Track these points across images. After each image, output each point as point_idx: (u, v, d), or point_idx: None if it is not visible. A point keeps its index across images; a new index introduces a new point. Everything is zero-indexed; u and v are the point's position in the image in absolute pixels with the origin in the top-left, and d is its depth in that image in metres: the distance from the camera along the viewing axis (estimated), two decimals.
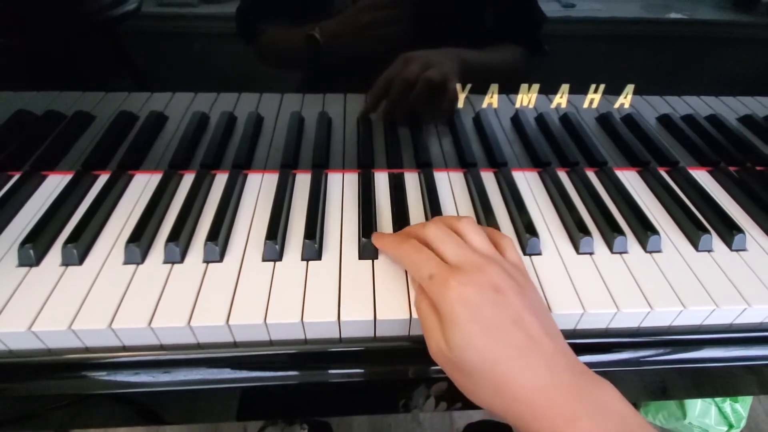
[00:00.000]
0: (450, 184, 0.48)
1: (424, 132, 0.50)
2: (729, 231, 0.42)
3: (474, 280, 0.31)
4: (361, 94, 0.47)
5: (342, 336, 0.36)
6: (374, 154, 0.50)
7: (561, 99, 0.46)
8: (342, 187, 0.47)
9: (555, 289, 0.37)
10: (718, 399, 1.03)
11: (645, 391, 0.45)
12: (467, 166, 0.49)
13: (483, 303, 0.30)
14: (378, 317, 0.35)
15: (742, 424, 1.04)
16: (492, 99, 0.44)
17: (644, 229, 0.42)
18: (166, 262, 0.38)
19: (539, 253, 0.40)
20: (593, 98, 0.45)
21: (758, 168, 0.51)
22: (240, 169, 0.47)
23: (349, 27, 0.41)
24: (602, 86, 0.46)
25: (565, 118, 0.49)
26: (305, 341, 0.36)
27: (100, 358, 0.36)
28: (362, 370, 0.37)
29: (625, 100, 0.46)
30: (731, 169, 0.51)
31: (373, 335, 0.37)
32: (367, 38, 0.42)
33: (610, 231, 0.41)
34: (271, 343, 0.36)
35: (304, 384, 0.37)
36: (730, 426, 1.03)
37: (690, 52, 0.48)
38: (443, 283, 0.31)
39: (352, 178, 0.48)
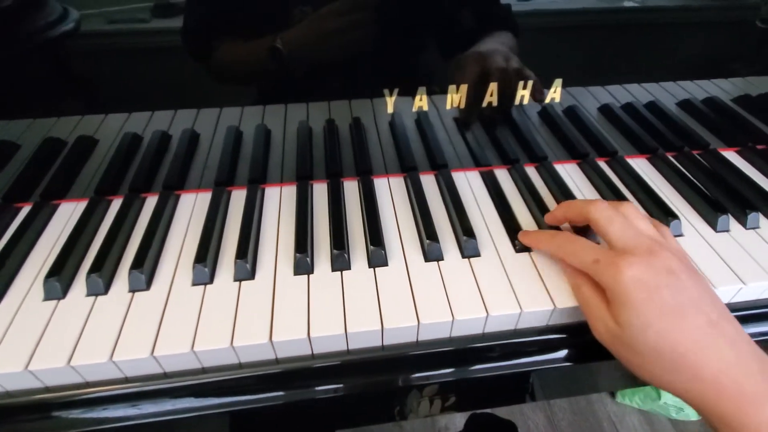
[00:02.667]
0: (390, 190, 0.47)
1: (365, 138, 0.49)
2: (665, 218, 0.42)
3: (647, 261, 0.31)
4: (317, 102, 0.46)
5: (278, 357, 0.35)
6: (313, 164, 0.49)
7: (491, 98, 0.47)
8: (279, 201, 0.46)
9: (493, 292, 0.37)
10: None
11: (622, 379, 0.45)
12: (407, 170, 0.48)
13: (659, 285, 0.30)
14: (313, 335, 0.34)
15: None
16: (422, 102, 0.43)
17: None
18: (89, 294, 0.37)
19: (478, 255, 0.40)
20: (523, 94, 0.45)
21: (694, 152, 0.52)
22: (172, 190, 0.46)
23: (313, 35, 0.41)
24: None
25: (507, 115, 0.49)
26: (240, 365, 0.35)
27: (22, 402, 0.34)
28: (304, 389, 0.36)
29: (555, 94, 0.46)
30: (669, 155, 0.52)
31: (310, 353, 0.36)
32: (332, 44, 0.42)
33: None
34: (203, 371, 0.35)
35: (242, 409, 0.36)
36: None
37: (636, 39, 0.48)
38: (613, 266, 0.31)
39: (290, 192, 0.47)
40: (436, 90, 0.44)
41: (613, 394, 1.15)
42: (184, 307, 0.36)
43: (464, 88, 0.43)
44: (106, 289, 0.37)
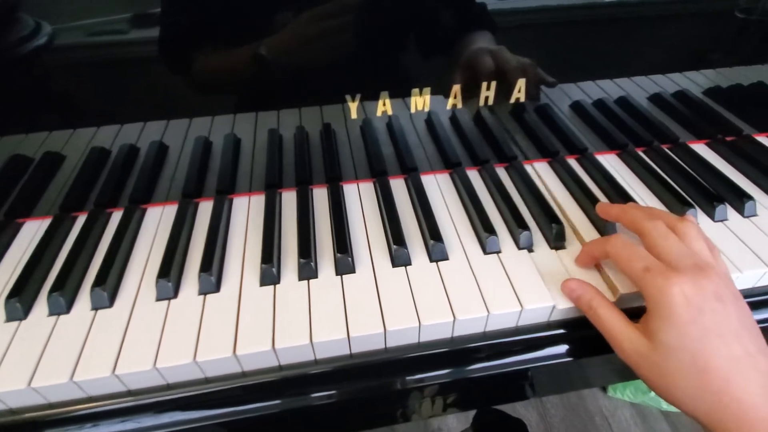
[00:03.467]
0: (359, 196, 0.47)
1: (334, 144, 0.49)
2: None
3: (697, 282, 0.30)
4: (288, 109, 0.46)
5: (244, 370, 0.35)
6: (283, 172, 0.48)
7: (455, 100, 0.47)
8: (248, 211, 0.45)
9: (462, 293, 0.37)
10: None
11: (614, 373, 0.45)
12: (377, 174, 0.48)
13: (704, 308, 0.30)
14: (278, 346, 0.34)
15: None
16: (385, 106, 0.43)
17: (549, 223, 0.42)
18: (51, 314, 0.36)
19: (446, 258, 0.40)
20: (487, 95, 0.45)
21: (664, 146, 0.52)
22: (138, 204, 0.45)
23: (297, 40, 0.40)
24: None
25: (477, 115, 0.49)
26: (206, 380, 0.35)
27: None
28: (271, 402, 0.36)
29: (520, 93, 0.46)
30: (639, 150, 0.52)
31: (277, 365, 0.35)
32: (317, 49, 0.41)
33: (517, 227, 0.41)
34: (168, 387, 0.34)
35: (209, 424, 0.35)
36: None
37: (611, 35, 0.48)
38: (663, 278, 0.31)
39: (259, 201, 0.46)
40: (402, 93, 0.44)
41: (604, 389, 1.15)
42: (147, 323, 0.35)
43: (456, 88, 0.44)
44: (68, 308, 0.36)
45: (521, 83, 0.45)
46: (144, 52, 0.42)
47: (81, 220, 0.45)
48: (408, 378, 0.37)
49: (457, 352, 0.37)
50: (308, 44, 0.41)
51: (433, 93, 0.44)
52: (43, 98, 0.43)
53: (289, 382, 0.35)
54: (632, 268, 0.33)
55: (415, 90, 0.43)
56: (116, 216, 0.45)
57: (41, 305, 0.37)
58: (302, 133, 0.48)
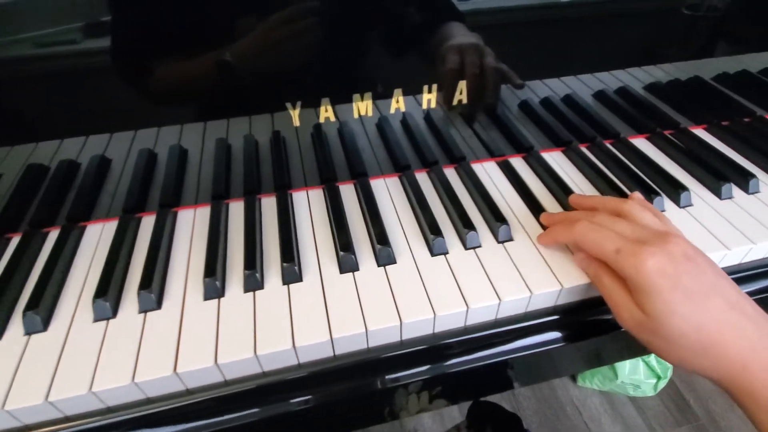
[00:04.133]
0: (309, 203, 0.47)
1: (284, 151, 0.48)
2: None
3: (665, 250, 0.32)
4: (237, 117, 0.45)
5: (188, 387, 0.34)
6: (230, 183, 0.48)
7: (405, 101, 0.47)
8: (193, 224, 0.44)
9: (408, 295, 0.37)
10: (644, 356, 1.09)
11: (583, 361, 0.46)
12: (326, 181, 0.48)
13: (679, 271, 0.31)
14: (220, 361, 0.33)
15: (669, 373, 1.11)
16: (328, 113, 0.43)
17: (495, 221, 0.42)
18: None
19: (394, 262, 0.40)
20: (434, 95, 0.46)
21: (606, 142, 0.54)
22: (76, 222, 0.44)
23: (263, 44, 0.40)
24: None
25: (428, 118, 0.49)
26: (148, 400, 0.34)
27: None
28: (219, 419, 0.35)
29: (461, 96, 0.46)
30: (582, 146, 0.53)
31: (223, 380, 0.35)
32: (285, 52, 0.41)
33: (463, 227, 0.42)
34: (108, 410, 0.33)
35: None
36: (659, 377, 1.09)
37: (562, 34, 0.50)
38: (634, 256, 0.32)
39: (205, 213, 0.45)
40: (343, 99, 0.44)
41: (574, 379, 1.18)
42: (84, 346, 0.34)
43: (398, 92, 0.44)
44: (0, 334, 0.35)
45: (462, 85, 0.45)
46: (86, 64, 0.40)
47: (15, 241, 0.43)
48: (386, 377, 0.38)
49: (406, 355, 0.37)
50: (275, 48, 0.40)
51: (377, 98, 0.44)
52: None
53: (233, 398, 0.34)
54: (603, 253, 0.34)
55: (356, 94, 0.43)
56: (53, 235, 0.43)
57: None
58: (251, 141, 0.47)
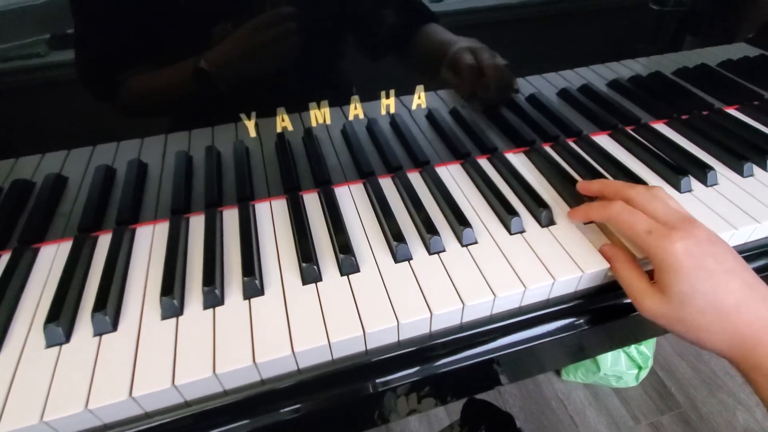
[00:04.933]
0: (272, 214, 0.46)
1: (246, 161, 0.47)
2: (538, 209, 0.44)
3: (692, 234, 0.35)
4: (200, 128, 0.44)
5: (146, 411, 0.33)
6: (191, 196, 0.47)
7: (389, 101, 0.47)
8: (151, 240, 0.43)
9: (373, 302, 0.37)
10: (625, 347, 1.10)
11: (566, 355, 0.46)
12: (289, 190, 0.47)
13: (704, 254, 0.34)
14: (178, 382, 0.32)
15: (650, 363, 1.12)
16: (285, 122, 0.43)
17: (459, 224, 0.42)
18: None
19: (358, 271, 0.40)
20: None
21: (569, 140, 0.54)
22: (28, 244, 0.42)
23: (240, 50, 0.39)
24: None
25: (393, 121, 0.49)
26: (104, 426, 0.33)
27: None
28: None
29: (420, 100, 0.46)
30: (545, 145, 0.54)
31: (183, 401, 0.34)
32: (262, 57, 0.40)
33: (426, 233, 0.41)
34: None
35: None
36: (640, 368, 1.10)
37: (541, 31, 0.50)
38: (665, 238, 0.35)
39: (164, 229, 0.44)
40: (300, 107, 0.43)
41: (558, 373, 1.19)
42: (34, 372, 0.33)
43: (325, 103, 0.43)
44: None
45: (420, 89, 0.45)
46: (44, 78, 0.39)
47: None
48: (338, 392, 0.37)
49: (369, 365, 0.37)
50: (252, 53, 0.40)
51: (335, 104, 0.43)
52: None
53: (193, 419, 0.33)
54: (635, 232, 0.37)
55: (312, 102, 0.42)
56: (4, 259, 0.42)
57: None
58: (213, 153, 0.46)
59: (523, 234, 0.42)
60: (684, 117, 0.58)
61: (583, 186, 0.45)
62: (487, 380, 0.44)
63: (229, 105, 0.42)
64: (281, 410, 0.36)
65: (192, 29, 0.39)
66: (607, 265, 0.39)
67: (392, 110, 0.45)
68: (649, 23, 0.54)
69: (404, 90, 0.45)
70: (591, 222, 0.43)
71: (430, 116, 0.50)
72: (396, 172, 0.49)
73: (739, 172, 0.49)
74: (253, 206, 0.47)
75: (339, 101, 0.43)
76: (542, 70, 0.53)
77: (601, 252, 0.40)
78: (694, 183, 0.48)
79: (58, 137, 0.43)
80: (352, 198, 0.48)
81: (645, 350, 1.11)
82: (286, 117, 0.42)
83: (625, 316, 0.42)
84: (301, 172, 0.48)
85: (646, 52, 0.56)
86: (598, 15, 0.52)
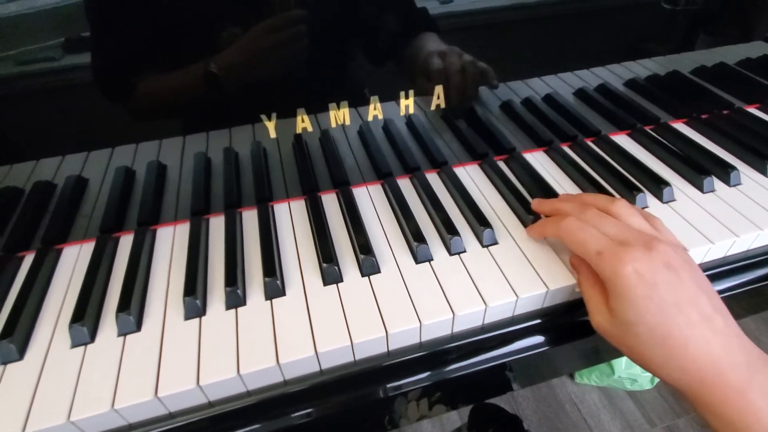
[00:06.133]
0: (290, 215, 0.46)
1: (265, 162, 0.48)
2: None
3: (647, 257, 0.31)
4: (217, 130, 0.44)
5: (171, 411, 0.33)
6: (210, 197, 0.47)
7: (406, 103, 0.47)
8: (173, 241, 0.44)
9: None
10: None
11: (581, 360, 0.45)
12: (308, 191, 0.47)
13: (658, 281, 0.31)
14: (203, 382, 0.32)
15: None
16: (305, 123, 0.43)
17: (479, 225, 0.42)
18: None
19: (378, 272, 0.39)
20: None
21: (588, 140, 0.54)
22: (52, 245, 0.43)
23: (249, 53, 0.39)
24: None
25: (409, 122, 0.49)
26: (129, 426, 0.33)
27: None
28: None
29: (439, 100, 0.46)
30: (564, 145, 0.53)
31: (207, 402, 0.34)
32: (271, 60, 0.40)
33: (447, 233, 0.41)
34: None
35: None
36: None
37: (545, 32, 0.50)
38: (616, 260, 0.32)
39: (184, 230, 0.45)
40: (319, 108, 0.43)
41: (572, 376, 1.17)
42: (61, 373, 0.33)
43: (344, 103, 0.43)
44: None
45: (439, 89, 0.45)
46: (61, 81, 0.39)
47: None
48: (360, 394, 0.37)
49: (391, 366, 0.36)
50: (261, 57, 0.40)
51: (354, 105, 0.44)
52: None
53: (216, 420, 0.33)
54: (586, 251, 0.34)
55: (332, 103, 0.42)
56: (29, 259, 0.42)
57: None
58: (231, 154, 0.47)
59: None
60: (704, 116, 0.57)
61: (536, 205, 0.42)
62: (504, 383, 0.44)
63: (249, 106, 0.42)
64: (305, 410, 0.36)
65: (202, 33, 0.39)
66: None
67: (411, 111, 0.45)
68: (663, 22, 0.53)
69: (423, 90, 0.45)
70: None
71: (446, 116, 0.50)
72: (414, 172, 0.49)
73: (762, 171, 0.48)
74: (272, 207, 0.47)
75: (359, 102, 0.43)
76: (557, 70, 0.53)
77: (570, 263, 0.38)
78: (717, 183, 0.47)
79: (78, 140, 0.43)
80: (370, 198, 0.47)
81: None
82: (305, 118, 0.42)
83: None
84: (319, 172, 0.48)
85: (661, 52, 0.55)
86: (610, 14, 0.52)
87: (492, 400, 1.13)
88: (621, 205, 0.37)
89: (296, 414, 0.35)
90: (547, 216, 0.42)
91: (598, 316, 0.34)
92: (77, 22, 0.38)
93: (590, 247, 0.34)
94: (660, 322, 0.30)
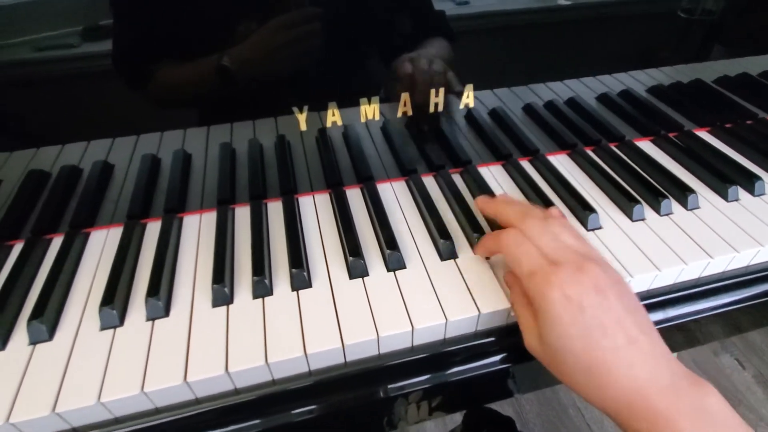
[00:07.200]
0: (315, 208, 0.46)
1: (289, 156, 0.48)
2: (584, 212, 0.43)
3: (576, 279, 0.31)
4: (241, 121, 0.44)
5: (197, 396, 0.33)
6: (236, 187, 0.47)
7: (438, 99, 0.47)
8: (199, 229, 0.44)
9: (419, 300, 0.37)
10: None
11: None
12: (332, 185, 0.48)
13: (584, 305, 0.30)
14: (231, 369, 0.32)
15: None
16: (335, 117, 0.43)
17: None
18: None
19: (404, 267, 0.40)
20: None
21: (611, 145, 0.54)
22: (79, 228, 0.43)
23: (262, 49, 0.39)
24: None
25: (434, 121, 0.49)
26: (156, 410, 0.33)
27: None
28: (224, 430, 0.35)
29: (468, 99, 0.46)
30: (587, 149, 0.53)
31: (233, 389, 0.34)
32: (283, 57, 0.41)
33: (472, 232, 0.41)
34: (116, 421, 0.32)
35: None
36: None
37: (564, 37, 0.50)
38: (544, 282, 0.31)
39: (210, 218, 0.45)
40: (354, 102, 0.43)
41: None
42: (89, 355, 0.33)
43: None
44: (3, 344, 0.34)
45: (469, 88, 0.45)
46: (86, 67, 0.40)
47: (18, 248, 0.42)
48: (379, 389, 0.37)
49: (427, 359, 0.37)
50: (274, 53, 0.40)
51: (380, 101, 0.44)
52: None
53: (242, 407, 0.34)
54: (519, 272, 0.34)
55: (364, 99, 0.43)
56: (56, 242, 0.43)
57: None
58: (256, 146, 0.47)
59: None
60: (727, 125, 0.57)
61: (479, 203, 0.41)
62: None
63: (280, 98, 0.42)
64: (322, 404, 0.36)
65: (218, 26, 0.39)
66: None
67: (440, 108, 0.46)
68: (679, 31, 0.53)
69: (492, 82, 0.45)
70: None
71: (470, 116, 0.51)
72: (438, 170, 0.49)
73: None
74: (297, 199, 0.47)
75: (390, 98, 0.44)
76: (578, 74, 0.53)
77: (504, 281, 0.37)
78: (741, 192, 0.47)
79: (102, 126, 0.44)
80: (395, 195, 0.48)
81: None
82: (336, 112, 0.43)
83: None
84: (343, 167, 0.49)
85: (678, 60, 0.55)
86: (627, 21, 0.52)
87: (496, 403, 1.14)
88: (554, 221, 0.36)
89: (318, 405, 0.36)
90: (489, 218, 0.42)
91: (529, 337, 0.33)
92: (98, 11, 0.38)
93: (524, 266, 0.33)
94: (583, 348, 0.30)
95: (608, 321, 0.30)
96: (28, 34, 0.38)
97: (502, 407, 1.13)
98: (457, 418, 1.06)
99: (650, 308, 0.41)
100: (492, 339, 0.38)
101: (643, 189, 0.47)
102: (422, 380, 0.37)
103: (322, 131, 0.46)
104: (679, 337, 0.43)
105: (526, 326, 0.33)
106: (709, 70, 0.57)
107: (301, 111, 0.42)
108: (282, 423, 0.36)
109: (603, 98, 0.56)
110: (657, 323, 0.41)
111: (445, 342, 0.37)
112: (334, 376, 0.35)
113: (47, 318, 0.35)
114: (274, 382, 0.35)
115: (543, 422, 1.11)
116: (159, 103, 0.43)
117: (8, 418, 0.30)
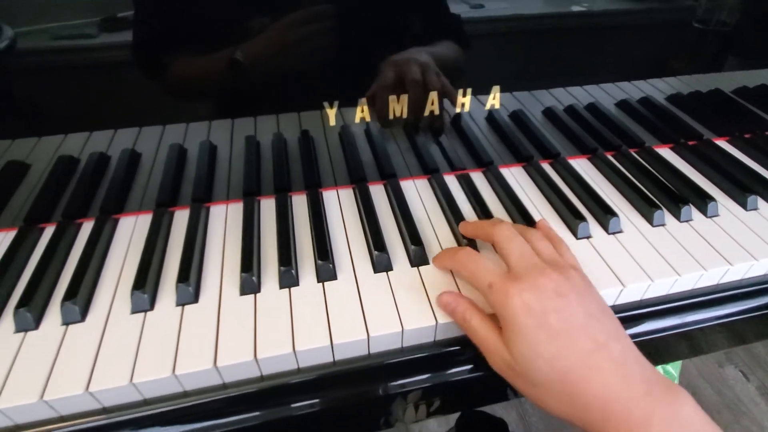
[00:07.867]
0: (339, 202, 0.47)
1: (313, 150, 0.48)
2: (605, 215, 0.44)
3: (536, 285, 0.31)
4: (265, 115, 0.45)
5: (225, 382, 0.34)
6: (261, 179, 0.48)
7: (465, 99, 0.47)
8: (225, 219, 0.45)
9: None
10: None
11: None
12: (356, 181, 0.48)
13: (546, 309, 0.30)
14: (260, 356, 0.33)
15: (676, 373, 1.11)
16: (363, 113, 0.44)
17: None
18: (18, 331, 0.34)
19: (427, 263, 0.40)
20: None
21: (631, 150, 0.54)
22: (109, 214, 0.44)
23: (275, 45, 0.40)
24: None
25: (455, 122, 0.50)
26: (185, 393, 0.34)
27: None
28: (251, 414, 0.35)
29: (495, 100, 0.47)
30: (608, 154, 0.54)
31: (259, 375, 0.35)
32: (296, 54, 0.41)
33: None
34: (145, 403, 0.33)
35: None
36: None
37: (581, 43, 0.50)
38: (503, 292, 0.31)
39: (236, 209, 0.46)
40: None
41: None
42: (121, 337, 0.34)
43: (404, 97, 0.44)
44: (36, 324, 0.35)
45: (495, 90, 0.46)
46: (115, 57, 0.41)
47: (48, 232, 0.43)
48: (391, 384, 0.37)
49: (436, 356, 0.37)
50: (286, 50, 0.41)
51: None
52: (5, 105, 0.41)
53: (271, 392, 0.34)
54: (477, 286, 0.34)
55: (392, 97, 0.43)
56: (87, 227, 0.44)
57: (6, 322, 0.35)
58: (280, 139, 0.48)
59: (590, 239, 0.43)
60: (746, 136, 0.58)
61: (462, 228, 0.41)
62: None
63: (311, 93, 0.43)
64: (348, 394, 0.37)
65: (233, 20, 0.40)
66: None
67: (467, 108, 0.46)
68: (695, 42, 0.53)
69: (480, 89, 0.45)
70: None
71: (491, 117, 0.51)
72: (459, 170, 0.50)
73: None
74: (321, 193, 0.48)
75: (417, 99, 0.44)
76: (598, 80, 0.54)
77: (441, 302, 0.35)
78: (760, 202, 0.48)
79: (128, 115, 0.44)
80: (417, 192, 0.48)
81: (671, 369, 1.10)
82: (365, 108, 0.43)
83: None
84: (366, 163, 0.49)
85: (696, 70, 0.56)
86: (642, 30, 0.52)
87: (500, 406, 1.14)
88: (533, 233, 0.36)
89: (343, 394, 0.36)
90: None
91: (495, 356, 0.32)
92: (114, 3, 0.39)
93: (481, 280, 0.33)
94: (555, 353, 0.29)
95: (573, 325, 0.30)
96: (47, 22, 0.39)
97: (507, 410, 1.14)
98: (452, 419, 1.06)
99: (666, 313, 0.41)
100: None
101: (663, 195, 0.47)
102: (459, 371, 0.38)
103: (345, 127, 0.47)
104: (699, 343, 0.44)
105: (490, 345, 0.32)
106: (728, 81, 0.58)
107: (331, 106, 0.43)
108: (304, 413, 0.36)
109: (623, 104, 0.56)
110: (671, 328, 0.42)
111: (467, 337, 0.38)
112: (358, 366, 0.36)
113: (80, 299, 0.35)
114: (299, 370, 0.35)
115: (546, 426, 1.11)
116: (178, 93, 0.43)
117: (42, 395, 0.31)
